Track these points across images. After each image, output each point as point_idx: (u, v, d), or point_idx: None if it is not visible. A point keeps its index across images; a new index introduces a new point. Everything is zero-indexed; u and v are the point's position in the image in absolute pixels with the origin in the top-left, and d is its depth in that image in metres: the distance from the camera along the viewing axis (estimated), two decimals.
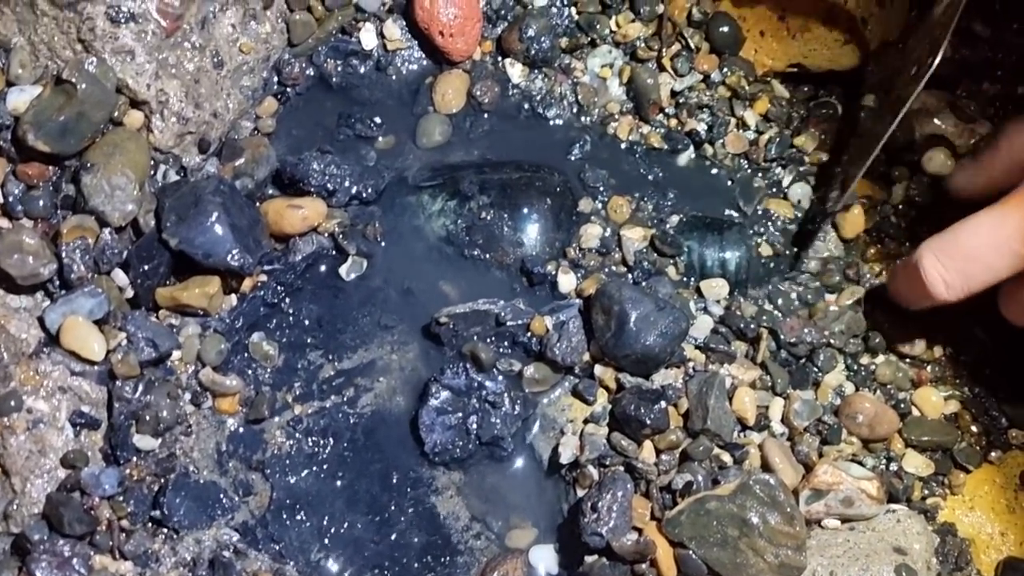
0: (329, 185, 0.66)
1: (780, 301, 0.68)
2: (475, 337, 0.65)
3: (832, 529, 0.62)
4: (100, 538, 0.60)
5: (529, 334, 0.65)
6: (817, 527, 0.62)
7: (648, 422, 0.63)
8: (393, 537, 0.64)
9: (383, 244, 0.68)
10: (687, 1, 0.71)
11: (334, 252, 0.67)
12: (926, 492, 0.65)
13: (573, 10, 0.72)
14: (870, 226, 0.69)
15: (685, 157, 0.71)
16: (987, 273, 0.60)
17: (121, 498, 0.60)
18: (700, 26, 0.71)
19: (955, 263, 0.60)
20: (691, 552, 0.60)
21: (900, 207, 0.70)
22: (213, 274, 0.63)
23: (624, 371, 0.65)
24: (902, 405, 0.66)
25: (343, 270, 0.67)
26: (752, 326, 0.66)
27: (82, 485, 0.59)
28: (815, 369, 0.66)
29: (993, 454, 0.65)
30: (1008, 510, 0.65)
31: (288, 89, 0.70)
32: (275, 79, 0.70)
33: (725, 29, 0.71)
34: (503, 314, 0.65)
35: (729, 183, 0.70)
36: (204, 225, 0.61)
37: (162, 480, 0.62)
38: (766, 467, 0.63)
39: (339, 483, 0.65)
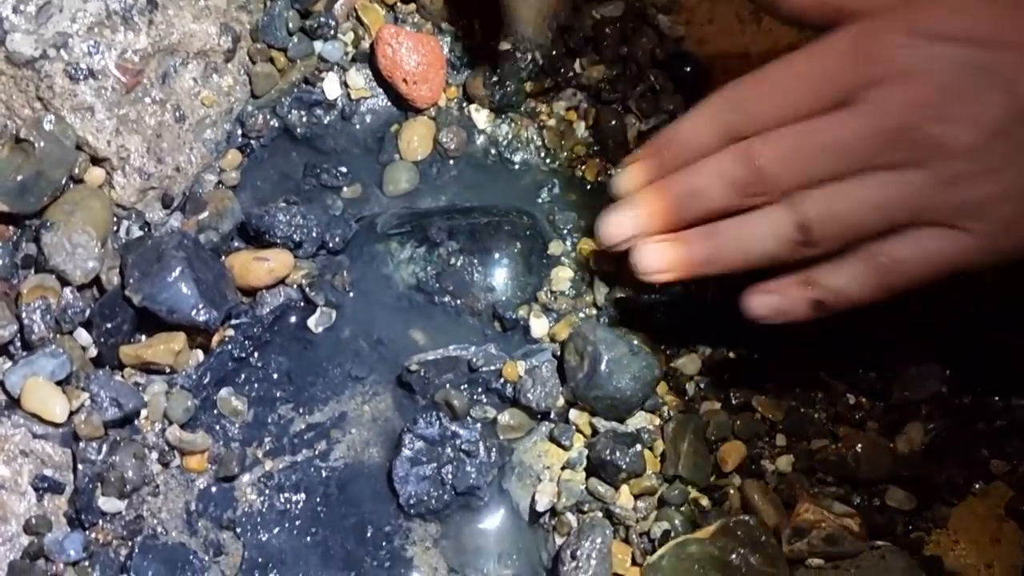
0: (296, 236, 0.66)
1: None
2: (447, 384, 0.65)
3: (816, 568, 0.61)
4: None
5: (502, 380, 0.64)
6: (801, 566, 0.61)
7: (623, 466, 0.62)
8: None
9: (352, 294, 0.67)
10: (651, 42, 0.71)
11: (302, 304, 0.66)
12: (910, 527, 0.64)
13: (537, 54, 0.72)
14: None
15: None
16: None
17: (87, 563, 0.59)
18: (664, 67, 0.71)
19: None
20: None
21: None
22: (178, 330, 0.62)
23: (598, 415, 0.64)
24: None
25: (311, 322, 0.66)
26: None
27: (46, 551, 0.58)
28: None
29: (976, 486, 0.65)
30: (992, 542, 0.64)
31: (252, 141, 0.70)
32: (239, 131, 0.69)
33: (689, 69, 0.71)
34: (475, 360, 0.64)
35: None
36: (167, 281, 0.61)
37: (129, 543, 0.60)
38: (746, 507, 0.63)
39: (313, 539, 0.63)
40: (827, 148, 0.54)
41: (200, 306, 0.61)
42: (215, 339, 0.64)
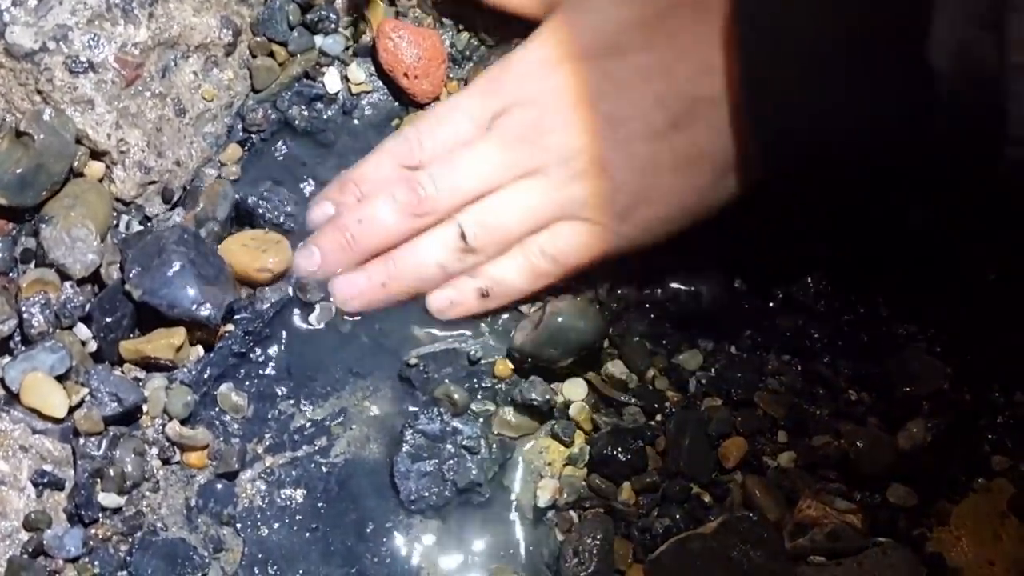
0: (292, 224, 0.66)
1: None
2: (447, 380, 0.64)
3: (818, 564, 0.61)
4: None
5: (495, 378, 0.64)
6: (803, 563, 0.61)
7: (624, 461, 0.62)
8: None
9: None
10: None
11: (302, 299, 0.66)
12: (912, 523, 0.64)
13: None
14: None
15: None
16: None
17: (86, 559, 0.58)
18: None
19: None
20: None
21: None
22: (178, 325, 0.62)
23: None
24: None
25: (312, 317, 0.66)
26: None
27: (45, 547, 0.57)
28: None
29: (978, 482, 0.65)
30: (995, 538, 0.64)
31: (252, 135, 0.69)
32: (239, 126, 0.69)
33: None
34: (473, 352, 0.64)
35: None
36: (168, 276, 0.60)
37: (129, 539, 0.60)
38: (748, 503, 0.62)
39: (313, 535, 0.63)
40: (473, 168, 0.63)
41: (201, 302, 0.60)
42: (214, 336, 0.63)
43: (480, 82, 0.65)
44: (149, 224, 0.65)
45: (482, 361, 0.65)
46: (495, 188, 0.63)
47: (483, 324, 0.66)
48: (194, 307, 0.60)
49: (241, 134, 0.69)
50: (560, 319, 0.62)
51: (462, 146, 0.64)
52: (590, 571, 0.61)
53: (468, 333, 0.66)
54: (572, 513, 0.64)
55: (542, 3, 0.65)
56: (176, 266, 0.60)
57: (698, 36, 0.59)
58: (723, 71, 0.59)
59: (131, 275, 0.60)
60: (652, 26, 0.61)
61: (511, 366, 0.65)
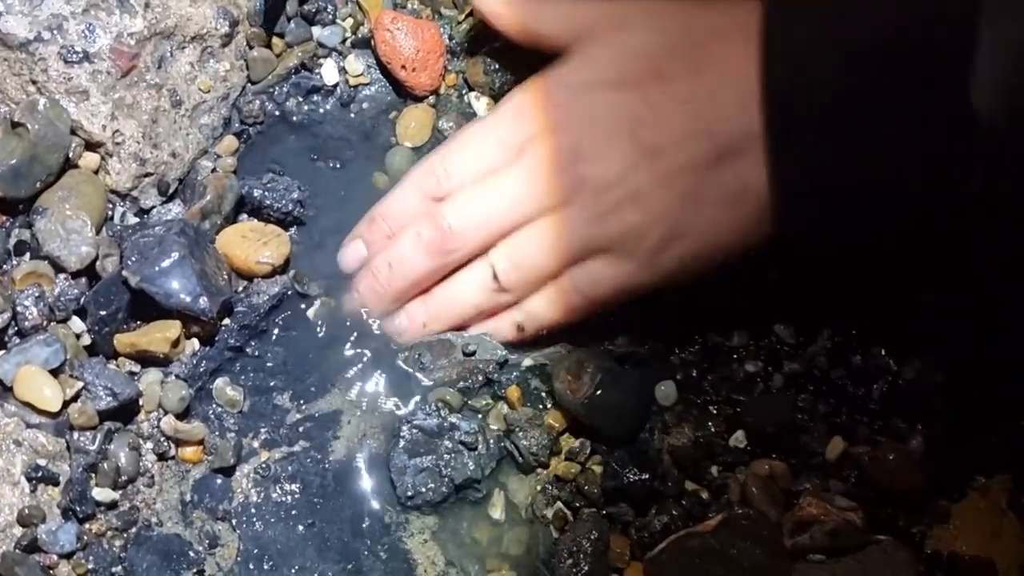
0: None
1: None
2: (443, 370, 0.64)
3: (818, 562, 0.60)
4: None
5: (503, 392, 0.64)
6: (803, 560, 0.60)
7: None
8: None
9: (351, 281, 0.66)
10: None
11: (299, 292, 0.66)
12: (912, 521, 0.63)
13: None
14: None
15: None
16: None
17: (81, 555, 0.58)
18: None
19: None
20: None
21: None
22: (174, 317, 0.61)
23: None
24: None
25: (310, 311, 0.65)
26: None
27: (39, 543, 0.57)
28: None
29: (978, 480, 0.64)
30: (994, 536, 0.64)
31: (249, 127, 0.69)
32: (235, 117, 0.68)
33: None
34: (470, 346, 0.64)
35: None
36: (166, 266, 0.60)
37: (124, 535, 0.59)
38: (747, 500, 0.62)
39: (309, 531, 0.63)
40: (500, 201, 0.60)
41: (197, 293, 0.60)
42: (210, 328, 0.63)
43: (508, 107, 0.62)
44: (146, 216, 0.64)
45: (478, 357, 0.64)
46: (525, 221, 0.60)
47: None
48: (190, 299, 0.60)
49: (237, 126, 0.69)
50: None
51: (490, 175, 0.61)
52: (585, 571, 0.61)
53: (464, 333, 0.66)
54: (567, 511, 0.63)
55: (571, 30, 0.61)
56: (175, 256, 0.60)
57: (749, 64, 0.56)
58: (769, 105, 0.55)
59: (129, 262, 0.60)
60: (698, 52, 0.57)
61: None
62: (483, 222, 0.61)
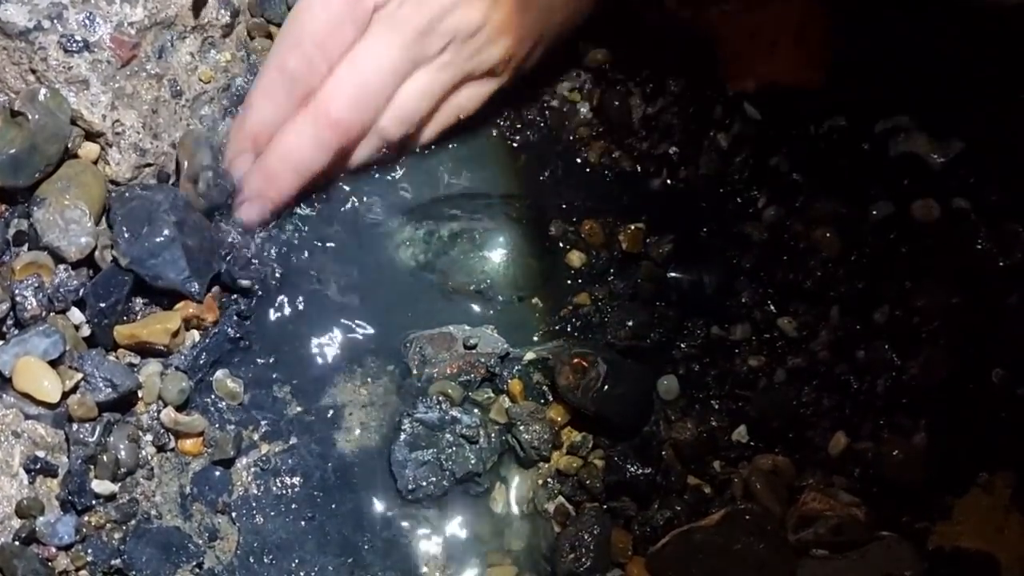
0: None
1: None
2: (444, 363, 0.63)
3: (821, 557, 0.60)
4: None
5: (505, 386, 0.64)
6: (806, 556, 0.60)
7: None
8: None
9: (352, 275, 0.66)
10: (658, 23, 0.70)
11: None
12: (915, 517, 0.63)
13: None
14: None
15: (658, 180, 0.70)
16: None
17: (79, 547, 0.57)
18: (671, 48, 0.70)
19: None
20: None
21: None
22: (163, 295, 0.61)
23: None
24: None
25: (307, 304, 0.65)
26: None
27: (38, 535, 0.56)
28: None
29: (981, 476, 0.64)
30: (998, 532, 0.64)
31: None
32: (236, 109, 0.68)
33: (696, 50, 0.70)
34: (472, 339, 0.63)
35: (703, 205, 0.69)
36: (156, 244, 0.59)
37: (123, 527, 0.59)
38: (749, 495, 0.62)
39: (309, 524, 0.62)
40: (378, 72, 0.62)
41: (187, 276, 0.60)
42: (210, 318, 0.62)
43: None
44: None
45: (480, 350, 0.64)
46: (404, 77, 0.63)
47: (489, 312, 0.66)
48: (180, 280, 0.60)
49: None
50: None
51: (346, 51, 0.62)
52: (587, 566, 0.60)
53: (469, 323, 0.66)
54: (570, 506, 0.63)
55: None
56: (165, 234, 0.59)
57: None
58: None
59: (119, 241, 0.59)
60: None
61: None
62: (370, 101, 0.63)
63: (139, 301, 0.62)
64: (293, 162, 0.62)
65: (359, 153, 0.65)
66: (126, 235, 0.60)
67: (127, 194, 0.61)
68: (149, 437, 0.60)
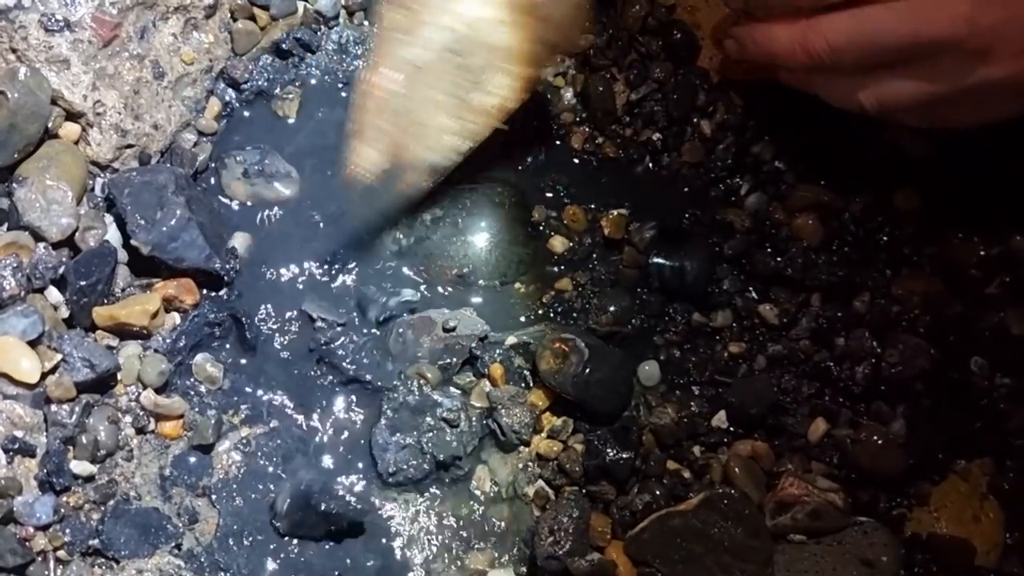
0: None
1: None
2: (425, 346, 0.63)
3: (799, 542, 0.60)
4: (35, 569, 0.57)
5: (486, 370, 0.64)
6: (784, 540, 0.60)
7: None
8: (347, 562, 0.62)
9: (333, 258, 0.66)
10: (642, 9, 0.70)
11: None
12: (892, 504, 0.63)
13: None
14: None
15: (641, 167, 0.70)
16: None
17: (57, 527, 0.57)
18: (655, 34, 0.70)
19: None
20: (655, 570, 0.58)
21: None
22: (183, 276, 0.62)
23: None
24: None
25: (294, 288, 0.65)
26: None
27: (15, 515, 0.56)
28: None
29: (959, 464, 0.65)
30: (974, 520, 0.64)
31: (232, 100, 0.68)
32: (218, 90, 0.68)
33: (680, 37, 0.70)
34: (451, 322, 0.63)
35: (686, 191, 0.69)
36: (172, 227, 0.60)
37: (101, 508, 0.59)
38: (728, 480, 0.62)
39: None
40: (883, 39, 0.58)
41: (208, 252, 0.61)
42: (190, 300, 0.62)
43: None
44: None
45: (460, 333, 0.64)
46: (894, 64, 0.60)
47: (469, 298, 0.66)
48: (203, 258, 0.61)
49: (220, 98, 0.67)
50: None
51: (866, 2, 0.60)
52: (566, 549, 0.60)
53: (451, 307, 0.66)
54: (548, 489, 0.63)
55: None
56: (179, 215, 0.60)
57: None
58: None
59: (135, 230, 0.60)
60: None
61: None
62: (861, 54, 0.60)
63: (120, 282, 0.62)
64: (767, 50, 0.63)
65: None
66: (141, 222, 0.60)
67: (127, 178, 0.61)
68: (129, 419, 0.60)
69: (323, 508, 0.59)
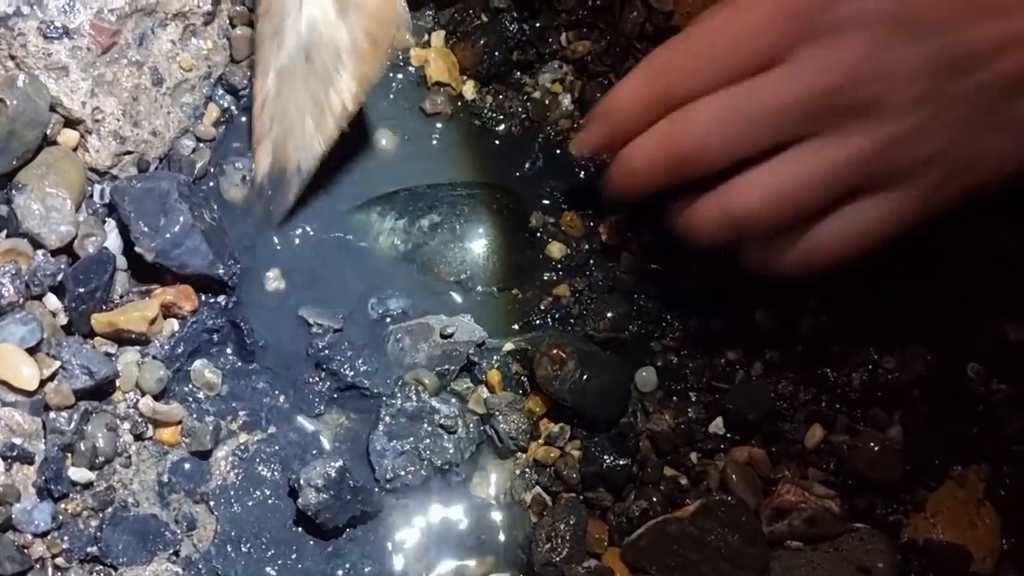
0: None
1: None
2: (423, 353, 0.64)
3: (796, 549, 0.61)
4: None
5: (484, 376, 0.64)
6: (780, 548, 0.61)
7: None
8: (345, 568, 0.62)
9: (331, 264, 0.66)
10: (640, 15, 0.70)
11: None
12: (889, 510, 0.64)
13: (525, 25, 0.70)
14: None
15: None
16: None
17: (56, 534, 0.57)
18: (652, 40, 0.70)
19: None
20: None
21: None
22: (185, 283, 0.62)
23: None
24: None
25: (283, 288, 0.65)
26: None
27: (14, 522, 0.56)
28: None
29: (956, 469, 0.65)
30: (970, 526, 0.64)
31: (231, 107, 0.68)
32: (217, 96, 0.68)
33: None
34: (448, 328, 0.63)
35: None
36: (176, 234, 0.60)
37: (100, 515, 0.59)
38: (725, 487, 0.62)
39: (287, 514, 0.62)
40: (763, 114, 0.50)
41: (211, 258, 0.61)
42: (188, 307, 0.62)
43: (748, 2, 0.51)
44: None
45: (458, 339, 0.64)
46: (783, 143, 0.51)
47: (467, 304, 0.66)
48: (206, 265, 0.61)
49: (219, 105, 0.68)
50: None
51: (734, 82, 0.51)
52: (563, 556, 0.60)
53: (448, 314, 0.66)
54: (546, 495, 0.63)
55: None
56: (182, 221, 0.60)
57: None
58: None
59: (140, 237, 0.60)
60: None
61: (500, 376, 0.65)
62: (739, 141, 0.52)
63: (118, 289, 0.62)
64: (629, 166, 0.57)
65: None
66: (145, 230, 0.60)
67: (129, 185, 0.61)
68: (127, 426, 0.60)
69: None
